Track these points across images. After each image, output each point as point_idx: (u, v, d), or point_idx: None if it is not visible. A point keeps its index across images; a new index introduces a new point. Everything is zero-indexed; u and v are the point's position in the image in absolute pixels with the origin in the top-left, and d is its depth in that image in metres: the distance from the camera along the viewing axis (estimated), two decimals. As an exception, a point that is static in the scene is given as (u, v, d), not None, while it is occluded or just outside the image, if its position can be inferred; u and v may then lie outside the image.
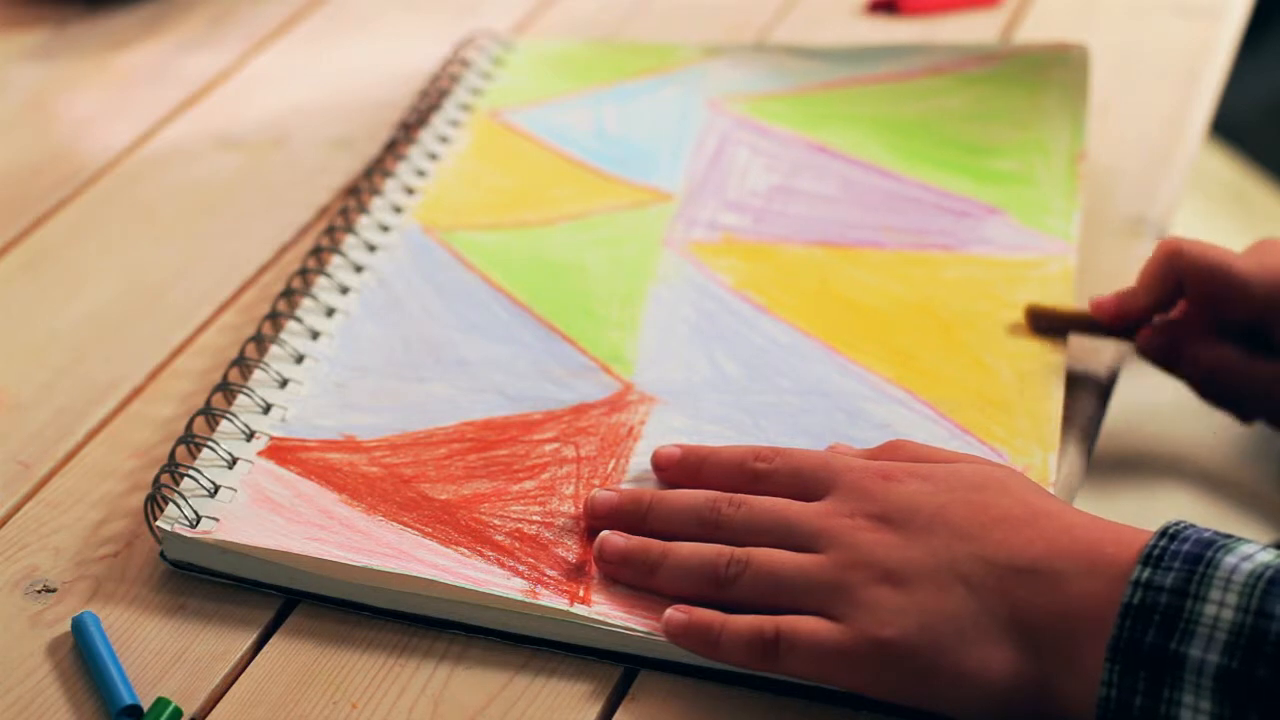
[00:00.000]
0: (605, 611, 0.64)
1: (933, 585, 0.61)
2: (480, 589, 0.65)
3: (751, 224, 0.86)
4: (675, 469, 0.70)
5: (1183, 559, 0.57)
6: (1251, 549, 0.57)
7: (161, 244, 0.88)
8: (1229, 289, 0.75)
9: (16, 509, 0.72)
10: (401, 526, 0.68)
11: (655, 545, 0.66)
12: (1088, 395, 0.77)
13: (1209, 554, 0.57)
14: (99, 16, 1.06)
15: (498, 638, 0.65)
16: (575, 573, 0.66)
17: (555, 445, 0.72)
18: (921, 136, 0.92)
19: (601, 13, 1.06)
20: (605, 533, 0.67)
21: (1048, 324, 0.78)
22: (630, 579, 0.66)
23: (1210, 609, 0.56)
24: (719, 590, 0.64)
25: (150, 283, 0.85)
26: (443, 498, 0.70)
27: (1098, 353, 0.80)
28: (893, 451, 0.68)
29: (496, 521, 0.69)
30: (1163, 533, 0.59)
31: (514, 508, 0.69)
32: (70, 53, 1.03)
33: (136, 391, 0.78)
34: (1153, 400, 1.73)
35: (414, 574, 0.65)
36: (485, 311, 0.80)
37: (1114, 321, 0.78)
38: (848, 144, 0.91)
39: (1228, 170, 1.86)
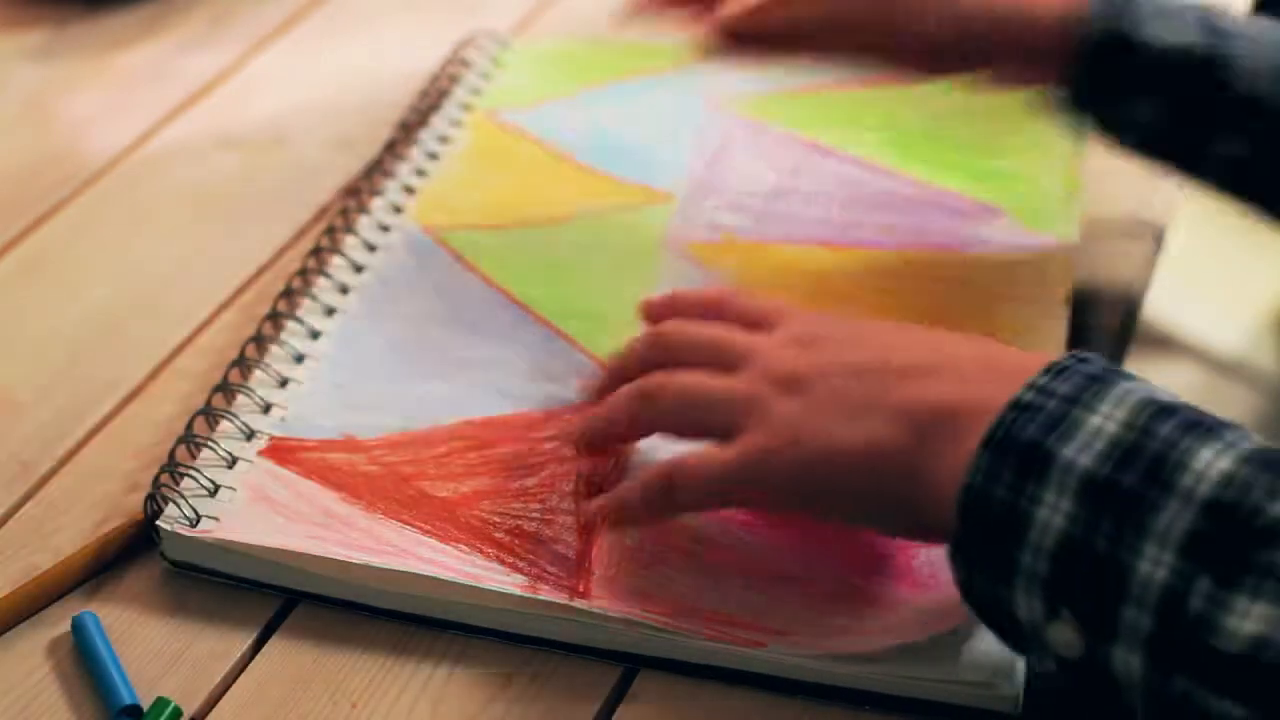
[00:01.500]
0: (606, 605, 0.64)
1: (828, 385, 0.63)
2: (479, 584, 0.65)
3: (751, 224, 0.86)
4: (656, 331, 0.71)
5: (1084, 375, 0.58)
6: (1154, 386, 0.57)
7: (161, 244, 0.88)
8: None
9: (16, 509, 0.72)
10: (401, 524, 0.68)
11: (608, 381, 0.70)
12: (1088, 395, 0.77)
13: (1110, 376, 0.57)
14: (99, 16, 1.06)
15: (498, 638, 0.65)
16: (575, 569, 0.66)
17: (555, 443, 0.72)
18: (921, 138, 0.92)
19: (601, 13, 1.06)
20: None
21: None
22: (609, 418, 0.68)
23: (1096, 419, 0.56)
24: (648, 404, 0.66)
25: (150, 283, 0.85)
26: (442, 495, 0.70)
27: (1098, 353, 0.80)
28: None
29: (496, 519, 0.69)
30: (1072, 354, 0.59)
31: (514, 505, 0.69)
32: (70, 53, 1.03)
33: (136, 391, 0.78)
34: (1153, 400, 1.73)
35: (413, 570, 0.65)
36: (485, 311, 0.80)
37: None
38: (846, 143, 0.91)
39: (1228, 170, 1.85)
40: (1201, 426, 0.55)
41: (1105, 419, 0.56)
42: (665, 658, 0.64)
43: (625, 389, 0.68)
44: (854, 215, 0.86)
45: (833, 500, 0.62)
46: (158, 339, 0.81)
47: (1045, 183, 0.88)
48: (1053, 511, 0.55)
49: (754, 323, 0.69)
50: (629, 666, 0.64)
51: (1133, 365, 0.81)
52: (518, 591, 0.65)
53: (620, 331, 0.79)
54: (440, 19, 1.05)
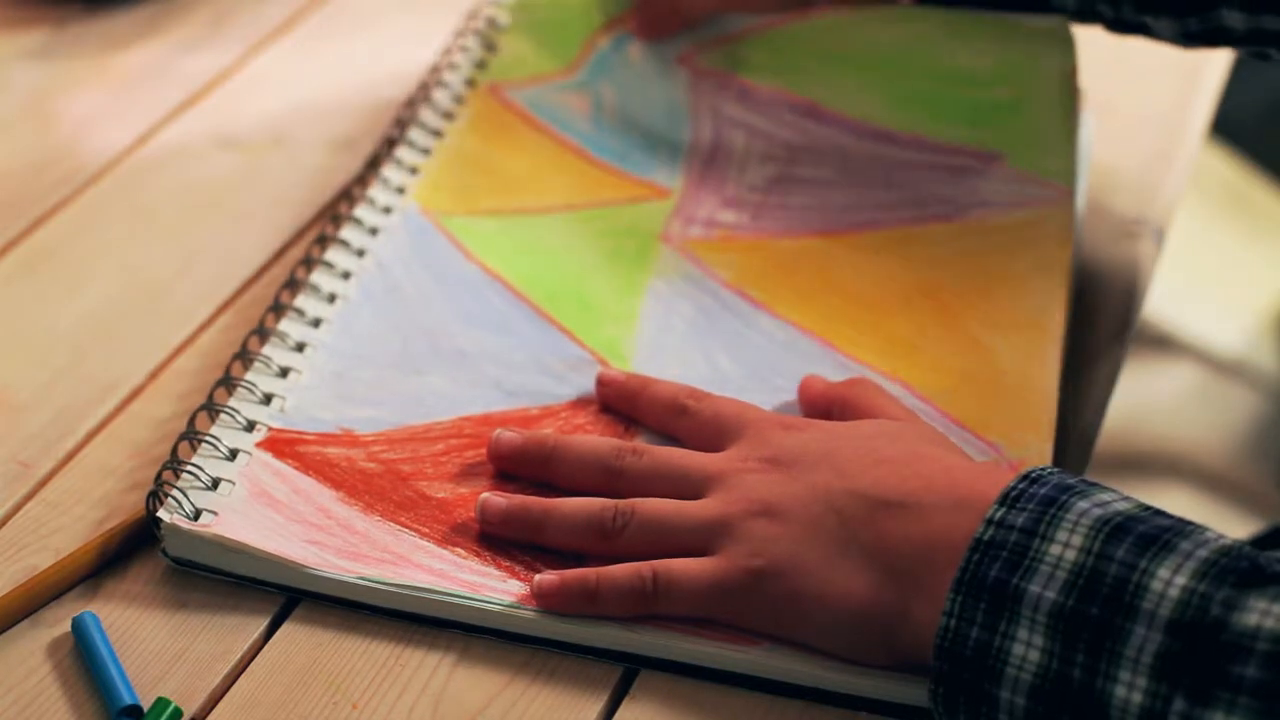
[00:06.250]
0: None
1: (805, 516, 0.63)
2: (477, 596, 0.65)
3: (749, 221, 0.85)
4: (616, 390, 0.73)
5: (1038, 501, 0.59)
6: (1107, 496, 0.59)
7: (161, 244, 0.88)
8: None
9: (17, 509, 0.72)
10: (398, 527, 0.68)
11: (536, 504, 0.67)
12: (1088, 395, 0.77)
13: (1063, 498, 0.59)
14: (99, 16, 1.06)
15: (498, 637, 0.65)
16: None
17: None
18: (907, 70, 0.89)
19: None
20: (485, 495, 0.68)
21: None
22: (517, 538, 0.67)
23: (1055, 549, 0.58)
24: (606, 542, 0.66)
25: (150, 283, 0.85)
26: (440, 496, 0.70)
27: (1098, 353, 0.80)
28: (849, 386, 0.71)
29: (495, 520, 0.69)
30: (1024, 475, 0.60)
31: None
32: (70, 53, 1.03)
33: (136, 391, 0.78)
34: (1153, 400, 1.73)
35: (411, 583, 0.65)
36: (482, 300, 0.80)
37: None
38: (837, 98, 0.90)
39: (1228, 170, 1.86)
40: (1157, 542, 0.57)
41: (1064, 547, 0.58)
42: (665, 658, 0.64)
43: (584, 520, 0.66)
44: (851, 196, 0.85)
45: (811, 633, 0.63)
46: (158, 339, 0.81)
47: (1039, 109, 0.86)
48: (1027, 647, 0.57)
49: (714, 433, 0.69)
50: (629, 667, 0.64)
51: (1133, 365, 0.81)
52: (513, 601, 0.65)
53: (617, 325, 0.79)
54: (440, 19, 1.05)
